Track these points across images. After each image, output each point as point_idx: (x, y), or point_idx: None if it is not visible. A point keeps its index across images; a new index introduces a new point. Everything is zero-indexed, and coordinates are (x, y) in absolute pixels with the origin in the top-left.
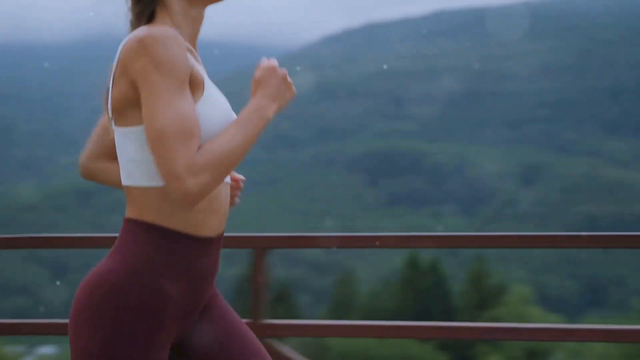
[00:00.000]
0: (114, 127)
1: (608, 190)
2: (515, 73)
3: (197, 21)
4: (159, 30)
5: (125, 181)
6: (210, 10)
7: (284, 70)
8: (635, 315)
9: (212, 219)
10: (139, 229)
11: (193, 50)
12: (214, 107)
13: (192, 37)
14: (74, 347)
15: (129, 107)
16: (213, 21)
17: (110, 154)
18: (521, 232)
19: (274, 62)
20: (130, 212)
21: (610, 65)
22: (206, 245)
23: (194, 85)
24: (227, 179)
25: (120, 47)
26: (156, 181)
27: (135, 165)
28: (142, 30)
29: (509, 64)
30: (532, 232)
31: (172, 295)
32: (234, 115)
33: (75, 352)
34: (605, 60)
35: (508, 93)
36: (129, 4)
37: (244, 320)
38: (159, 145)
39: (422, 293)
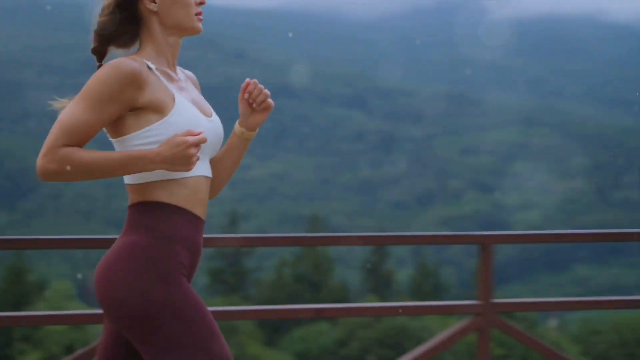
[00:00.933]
0: (110, 138)
1: None
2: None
3: (175, 47)
4: (117, 64)
5: (126, 180)
6: None
7: (193, 150)
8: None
9: (197, 205)
10: (149, 207)
11: (169, 73)
12: (179, 124)
13: (172, 60)
14: (113, 305)
15: (114, 124)
16: None
17: None
18: (64, 226)
19: (195, 139)
20: (132, 199)
21: None
22: (199, 224)
23: (154, 108)
24: (208, 174)
25: None
26: (146, 178)
27: None
28: (112, 61)
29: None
30: (73, 226)
31: (182, 260)
32: (196, 127)
33: (117, 310)
34: None
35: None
36: (111, 19)
37: None
38: (49, 133)
39: None
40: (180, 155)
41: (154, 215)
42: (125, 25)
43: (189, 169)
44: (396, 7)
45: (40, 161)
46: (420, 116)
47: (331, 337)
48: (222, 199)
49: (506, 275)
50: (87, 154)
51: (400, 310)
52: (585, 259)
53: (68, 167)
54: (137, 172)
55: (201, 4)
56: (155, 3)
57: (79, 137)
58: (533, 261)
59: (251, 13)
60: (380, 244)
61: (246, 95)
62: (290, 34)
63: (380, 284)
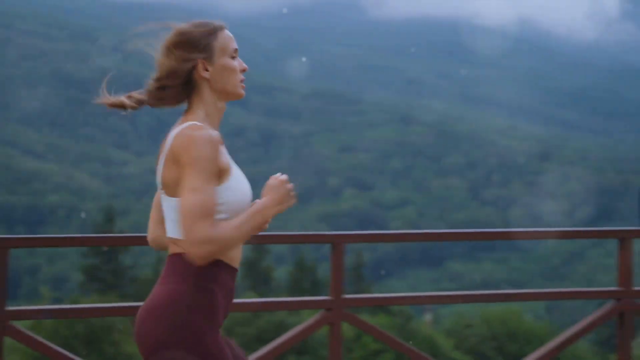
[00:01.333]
0: (162, 196)
1: (22, 181)
2: None
3: (222, 111)
4: (206, 132)
5: (170, 234)
6: None
7: (290, 185)
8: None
9: (235, 258)
10: (180, 258)
11: (222, 141)
12: (237, 189)
13: (217, 123)
14: (155, 349)
15: (175, 185)
16: None
17: (162, 220)
18: None
19: (285, 177)
20: (174, 249)
21: (24, 57)
22: (235, 274)
23: (222, 172)
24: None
25: (172, 136)
26: None
27: (176, 224)
28: (192, 128)
29: None
30: None
31: (221, 309)
32: (250, 194)
33: (153, 350)
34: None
35: None
36: (164, 81)
37: None
38: (186, 220)
39: None
40: (285, 194)
41: (198, 268)
42: (178, 90)
43: (293, 203)
44: (275, 4)
45: (198, 250)
46: (300, 113)
47: None
48: (98, 194)
49: (384, 271)
50: (229, 228)
51: (260, 306)
52: (459, 255)
53: (221, 246)
54: (265, 224)
55: (244, 71)
56: (208, 71)
57: (214, 211)
58: (410, 257)
59: (128, 6)
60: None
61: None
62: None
63: (259, 280)
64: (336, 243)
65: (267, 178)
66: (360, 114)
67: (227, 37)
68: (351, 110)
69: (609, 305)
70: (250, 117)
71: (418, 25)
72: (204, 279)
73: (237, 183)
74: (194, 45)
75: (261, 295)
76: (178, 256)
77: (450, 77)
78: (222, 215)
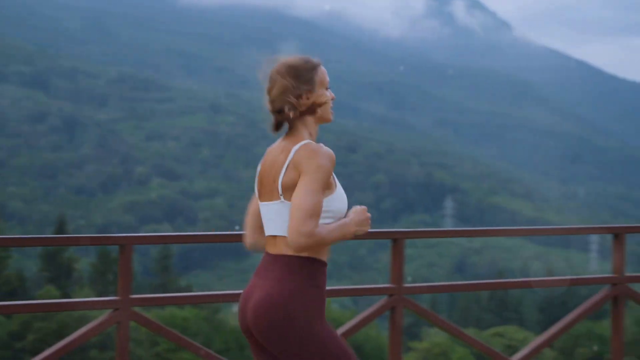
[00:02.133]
0: (282, 200)
1: None
2: None
3: (317, 134)
4: (328, 149)
5: (279, 232)
6: None
7: (368, 214)
8: None
9: (327, 255)
10: (306, 261)
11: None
12: (341, 199)
13: None
14: (280, 339)
15: (292, 189)
16: None
17: (260, 226)
18: None
19: (365, 208)
20: (281, 250)
21: None
22: (326, 270)
23: (329, 185)
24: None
25: (294, 150)
26: None
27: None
28: (314, 145)
29: None
30: None
31: (325, 304)
32: (346, 202)
33: (280, 337)
34: None
35: None
36: (277, 105)
37: None
38: (298, 213)
39: None
40: (364, 220)
41: (312, 268)
42: (288, 116)
43: (367, 230)
44: None
45: (302, 240)
46: (105, 99)
47: (5, 330)
48: None
49: (191, 263)
50: (325, 230)
51: (46, 307)
52: None
53: (317, 242)
54: (345, 238)
55: (333, 100)
56: (309, 99)
57: (320, 214)
58: (219, 248)
59: None
60: (14, 245)
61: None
62: None
63: (60, 273)
64: (125, 245)
65: (70, 165)
66: (169, 101)
67: (324, 72)
68: (160, 98)
69: (107, 314)
70: (52, 101)
71: (230, 13)
72: (314, 276)
73: (341, 194)
74: (300, 77)
75: (61, 289)
76: (289, 258)
77: (258, 67)
78: (328, 220)
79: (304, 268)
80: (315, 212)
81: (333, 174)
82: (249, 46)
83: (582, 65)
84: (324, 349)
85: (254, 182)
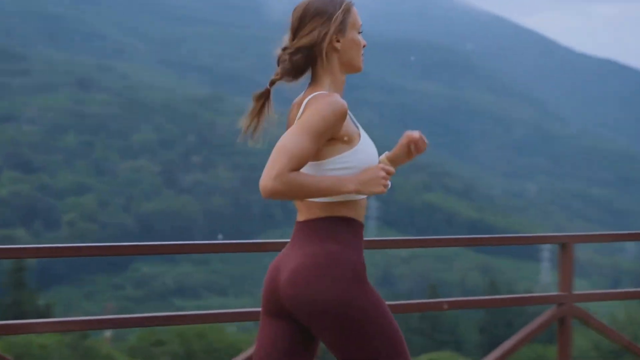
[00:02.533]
0: None
1: None
2: None
3: (343, 83)
4: (332, 97)
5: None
6: None
7: (386, 176)
8: None
9: (363, 217)
10: (338, 221)
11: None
12: (365, 151)
13: (341, 94)
14: (315, 307)
15: None
16: None
17: None
18: None
19: (388, 169)
20: (314, 214)
21: None
22: (362, 231)
23: (350, 139)
24: (364, 196)
25: (305, 102)
26: (335, 197)
27: None
28: (325, 94)
29: None
30: None
31: (364, 263)
32: (376, 157)
33: (321, 306)
34: None
35: None
36: (289, 50)
37: None
38: (273, 155)
39: None
40: (375, 179)
41: (345, 228)
42: (307, 62)
43: (383, 191)
44: None
45: (269, 182)
46: None
47: None
48: None
49: (56, 277)
50: (307, 178)
51: None
52: (148, 257)
53: (292, 191)
54: (338, 194)
55: (364, 47)
56: (339, 42)
57: (300, 164)
58: (87, 259)
59: None
60: None
61: (412, 147)
62: None
63: None
64: None
65: None
66: (24, 74)
67: (356, 14)
68: (13, 70)
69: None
70: None
71: None
72: (350, 238)
73: (366, 146)
74: (330, 17)
75: None
76: (321, 220)
77: (144, 35)
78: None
79: (337, 227)
80: (294, 155)
81: (354, 127)
82: (128, 11)
83: (532, 36)
84: (369, 325)
85: (131, 175)
